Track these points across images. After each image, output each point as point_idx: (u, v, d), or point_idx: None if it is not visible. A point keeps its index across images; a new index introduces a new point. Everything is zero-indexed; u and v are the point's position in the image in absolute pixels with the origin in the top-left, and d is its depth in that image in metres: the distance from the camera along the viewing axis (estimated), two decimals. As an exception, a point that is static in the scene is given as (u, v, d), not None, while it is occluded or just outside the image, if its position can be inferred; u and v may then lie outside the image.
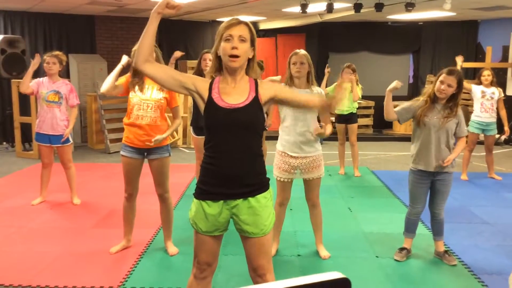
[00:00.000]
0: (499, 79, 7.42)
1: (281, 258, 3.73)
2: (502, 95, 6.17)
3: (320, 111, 2.39)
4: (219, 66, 2.22)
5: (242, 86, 2.20)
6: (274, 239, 3.75)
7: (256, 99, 2.18)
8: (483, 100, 6.02)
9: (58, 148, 4.91)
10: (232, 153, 2.16)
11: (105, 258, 3.70)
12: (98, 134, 8.49)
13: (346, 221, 4.68)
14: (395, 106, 3.61)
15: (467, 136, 3.60)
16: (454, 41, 10.55)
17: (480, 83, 6.13)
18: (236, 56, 2.12)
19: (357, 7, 7.17)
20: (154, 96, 3.48)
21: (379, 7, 7.12)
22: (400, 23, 10.74)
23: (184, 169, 6.69)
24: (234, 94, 2.17)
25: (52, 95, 4.78)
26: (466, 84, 6.19)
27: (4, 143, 8.68)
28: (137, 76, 3.46)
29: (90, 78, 8.86)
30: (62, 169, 5.05)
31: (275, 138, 3.77)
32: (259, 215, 2.20)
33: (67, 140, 4.91)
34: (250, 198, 2.19)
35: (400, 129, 10.19)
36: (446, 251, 3.74)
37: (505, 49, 9.73)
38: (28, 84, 4.78)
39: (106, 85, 3.49)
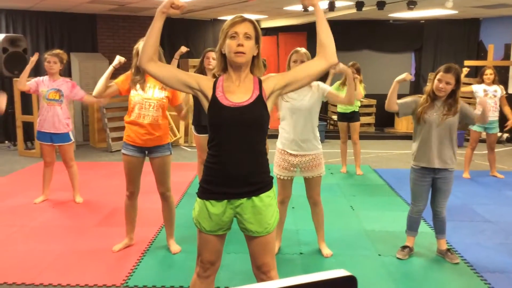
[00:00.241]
0: (501, 77, 7.42)
1: (283, 256, 3.74)
2: (504, 92, 6.16)
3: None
4: (224, 64, 2.22)
5: (247, 84, 2.19)
6: (276, 237, 3.76)
7: (260, 97, 2.17)
8: (486, 98, 6.01)
9: (60, 146, 4.91)
10: (236, 152, 2.15)
11: (107, 256, 3.71)
12: (100, 133, 8.50)
13: (348, 219, 4.68)
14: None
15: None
16: (456, 39, 10.54)
17: (482, 81, 6.12)
18: (242, 52, 2.12)
19: (359, 5, 7.16)
20: (156, 95, 3.48)
21: (381, 5, 7.11)
22: (402, 21, 10.73)
23: (186, 168, 6.69)
24: (239, 93, 2.17)
25: (52, 93, 4.78)
26: (466, 88, 6.20)
27: (6, 141, 8.69)
28: (139, 74, 3.47)
29: (92, 77, 8.85)
30: (64, 167, 5.05)
31: (275, 136, 3.77)
32: (262, 214, 2.20)
33: (69, 139, 4.92)
34: (254, 197, 2.19)
35: (402, 127, 10.19)
36: (448, 249, 3.74)
37: (507, 47, 9.72)
38: (24, 81, 4.79)
39: (97, 88, 3.52)
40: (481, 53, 10.30)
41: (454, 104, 3.43)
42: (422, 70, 10.86)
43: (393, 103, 3.55)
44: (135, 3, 7.95)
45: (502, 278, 3.41)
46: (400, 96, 3.57)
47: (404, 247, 3.77)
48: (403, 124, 10.13)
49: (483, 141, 6.65)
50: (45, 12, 9.00)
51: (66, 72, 8.15)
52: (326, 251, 3.78)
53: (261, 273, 2.29)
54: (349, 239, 4.13)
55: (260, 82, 2.22)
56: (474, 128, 6.14)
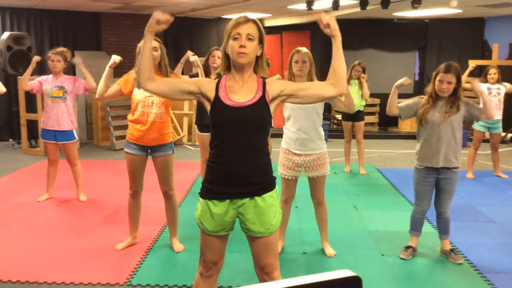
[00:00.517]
0: (506, 77, 7.38)
1: (286, 256, 3.73)
2: (509, 85, 6.14)
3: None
4: (228, 64, 2.22)
5: (250, 84, 2.19)
6: (280, 236, 3.75)
7: (263, 97, 2.17)
8: (490, 97, 5.99)
9: (63, 145, 4.92)
10: (238, 152, 2.15)
11: (111, 255, 3.72)
12: (103, 131, 8.52)
13: (352, 219, 4.68)
14: (399, 103, 3.61)
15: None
16: (460, 38, 10.51)
17: (486, 81, 6.10)
18: (244, 53, 2.12)
19: (363, 4, 7.15)
20: None
21: (385, 4, 7.09)
22: (406, 20, 10.70)
23: (189, 166, 6.70)
24: (242, 93, 2.17)
25: (56, 90, 4.79)
26: (469, 85, 6.18)
27: (11, 140, 8.72)
28: None
29: (96, 75, 8.80)
30: (68, 166, 5.07)
31: (280, 135, 3.77)
32: (265, 214, 2.19)
33: (73, 137, 4.93)
34: (256, 197, 2.18)
35: (405, 127, 10.16)
36: (452, 250, 3.73)
37: (512, 47, 9.68)
38: (26, 81, 4.81)
39: (98, 89, 3.58)
40: (485, 53, 10.27)
41: (456, 101, 3.42)
42: (426, 69, 10.83)
43: (393, 108, 3.55)
44: (139, 1, 7.95)
45: (506, 279, 3.40)
46: (403, 96, 3.57)
47: (407, 247, 3.76)
48: (407, 124, 10.10)
49: (486, 141, 6.63)
50: (50, 10, 9.02)
51: (70, 70, 8.16)
52: (330, 250, 3.77)
53: (263, 274, 2.28)
54: (352, 239, 4.13)
55: (264, 83, 2.21)
56: (478, 127, 6.12)
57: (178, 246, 3.81)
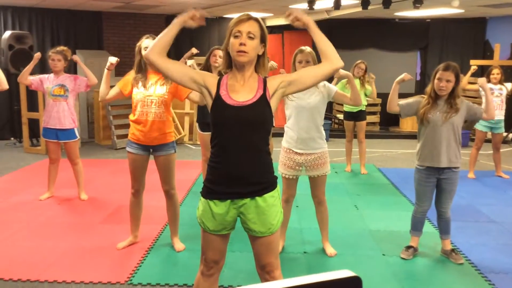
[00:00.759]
0: (508, 77, 7.38)
1: (287, 255, 3.74)
2: (510, 86, 6.15)
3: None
4: (229, 62, 2.22)
5: (251, 83, 2.19)
6: (280, 236, 3.75)
7: (263, 96, 2.17)
8: (492, 97, 5.97)
9: (65, 144, 4.93)
10: (239, 152, 2.15)
11: (112, 254, 3.72)
12: (105, 130, 8.52)
13: (353, 218, 4.68)
14: (400, 101, 3.61)
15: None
16: (462, 38, 10.49)
17: (488, 81, 6.10)
18: (244, 51, 2.11)
19: (365, 4, 7.13)
20: (157, 91, 3.47)
21: (386, 4, 7.08)
22: (407, 20, 10.68)
23: (191, 166, 6.70)
24: (242, 92, 2.17)
25: (57, 89, 4.80)
26: (472, 86, 6.18)
27: (12, 138, 8.73)
28: (141, 72, 3.48)
29: (97, 75, 8.83)
30: (70, 164, 5.07)
31: (281, 135, 3.77)
32: (266, 214, 2.19)
33: (74, 136, 4.93)
34: (257, 197, 2.18)
35: (407, 126, 10.16)
36: (453, 250, 3.72)
37: (514, 47, 9.67)
38: (26, 75, 4.82)
39: (100, 93, 3.60)
40: (487, 53, 10.25)
41: (455, 101, 3.42)
42: (428, 69, 10.81)
43: (394, 105, 3.55)
44: (140, 0, 7.95)
45: (506, 279, 3.40)
46: (405, 95, 3.57)
47: (408, 247, 3.76)
48: (408, 123, 10.10)
49: (488, 141, 6.62)
50: (51, 10, 9.03)
51: (72, 69, 8.16)
52: (330, 250, 3.77)
53: (265, 273, 2.29)
54: (353, 239, 4.13)
55: (265, 81, 2.21)
56: (480, 128, 6.12)
57: (179, 245, 3.82)
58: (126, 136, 3.76)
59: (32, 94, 7.78)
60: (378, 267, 3.59)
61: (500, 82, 6.07)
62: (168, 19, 10.18)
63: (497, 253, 3.85)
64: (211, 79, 2.22)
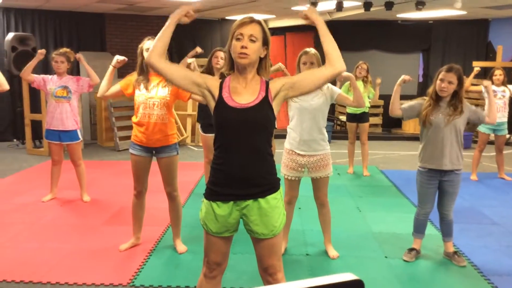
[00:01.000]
0: (510, 78, 7.37)
1: (289, 257, 3.73)
2: None
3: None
4: (232, 64, 2.22)
5: (253, 85, 2.20)
6: (283, 238, 3.75)
7: (266, 98, 2.17)
8: (495, 99, 5.97)
9: (68, 145, 4.94)
10: (242, 153, 2.16)
11: (114, 256, 3.72)
12: (107, 132, 8.54)
13: (355, 220, 4.67)
14: (401, 104, 3.60)
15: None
16: (464, 40, 10.48)
17: (491, 82, 6.08)
18: (245, 54, 2.12)
19: (367, 5, 7.14)
20: (159, 93, 3.48)
21: (389, 5, 7.08)
22: (410, 21, 10.68)
23: (193, 167, 6.71)
24: (245, 94, 2.17)
25: (60, 90, 4.81)
26: (475, 87, 6.17)
27: (15, 140, 8.75)
28: (143, 74, 3.48)
29: (100, 76, 8.83)
30: (72, 166, 5.08)
31: (283, 136, 3.77)
32: (269, 216, 2.20)
33: (77, 137, 4.94)
34: (260, 199, 2.18)
35: (409, 128, 10.15)
36: (455, 252, 3.72)
37: (516, 48, 9.65)
38: (29, 71, 4.83)
39: (100, 88, 3.57)
40: (490, 54, 10.23)
41: (459, 104, 3.41)
42: (430, 70, 10.80)
43: (396, 109, 3.53)
44: (143, 2, 7.98)
45: (509, 282, 3.39)
46: (407, 97, 3.56)
47: (411, 249, 3.76)
48: (410, 125, 10.08)
49: (491, 143, 6.61)
50: (54, 11, 9.05)
51: (75, 71, 8.19)
52: (333, 252, 3.77)
53: (267, 275, 2.29)
54: (355, 241, 4.12)
55: (267, 84, 2.22)
56: (483, 129, 6.11)
57: (181, 247, 3.82)
58: (128, 137, 3.78)
59: (35, 96, 7.80)
60: (381, 269, 3.59)
61: (503, 83, 6.05)
62: (170, 21, 10.19)
63: (500, 255, 3.84)
64: (213, 82, 2.23)
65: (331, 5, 7.47)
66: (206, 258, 2.32)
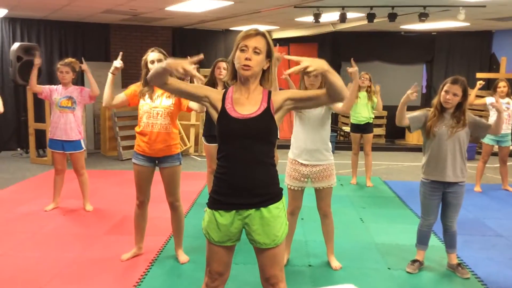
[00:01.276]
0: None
1: (292, 268, 3.71)
2: None
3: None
4: (235, 74, 2.24)
5: (255, 96, 2.21)
6: (285, 248, 3.74)
7: (267, 109, 2.19)
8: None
9: (71, 155, 4.95)
10: (244, 163, 2.17)
11: (116, 265, 3.71)
12: (111, 141, 8.56)
13: (358, 231, 4.65)
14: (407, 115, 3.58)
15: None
16: (468, 51, 10.50)
17: (495, 94, 6.07)
18: (248, 66, 2.13)
19: (370, 17, 7.17)
20: (164, 103, 3.49)
21: (392, 17, 7.11)
22: (413, 33, 10.71)
23: (196, 177, 6.71)
24: (247, 105, 2.19)
25: (65, 101, 4.84)
26: (479, 100, 6.15)
27: (19, 149, 8.78)
28: (148, 86, 3.50)
29: (104, 86, 8.93)
30: (75, 175, 5.09)
31: (286, 146, 3.77)
32: (271, 225, 2.19)
33: (80, 147, 4.96)
34: (262, 209, 2.19)
35: (412, 139, 10.14)
36: (459, 264, 3.69)
37: (520, 60, 9.64)
38: (33, 83, 4.90)
39: (105, 98, 3.57)
40: (493, 66, 10.24)
41: (462, 116, 3.40)
42: (434, 82, 10.82)
43: (403, 118, 3.49)
44: (148, 13, 8.03)
45: (514, 294, 3.36)
46: (411, 108, 3.54)
47: (414, 261, 3.73)
48: (414, 136, 10.07)
49: (495, 154, 6.59)
50: (59, 22, 9.13)
51: (79, 80, 8.23)
52: (335, 263, 3.75)
53: (269, 285, 2.28)
54: (358, 252, 4.10)
55: (269, 95, 2.23)
56: (487, 141, 6.09)
57: (183, 257, 3.81)
58: (132, 147, 3.78)
59: (39, 105, 7.83)
60: (384, 280, 3.56)
61: (507, 95, 6.04)
62: (175, 31, 10.27)
63: (504, 267, 3.81)
64: (215, 95, 2.26)
65: (335, 16, 7.51)
66: (208, 268, 2.32)
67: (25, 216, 4.92)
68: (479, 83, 6.31)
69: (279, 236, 2.22)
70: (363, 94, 6.31)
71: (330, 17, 7.72)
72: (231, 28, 10.42)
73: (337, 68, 10.75)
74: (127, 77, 9.00)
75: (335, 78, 2.06)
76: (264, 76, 2.25)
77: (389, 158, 8.81)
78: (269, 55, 2.20)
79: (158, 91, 3.51)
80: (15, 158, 8.26)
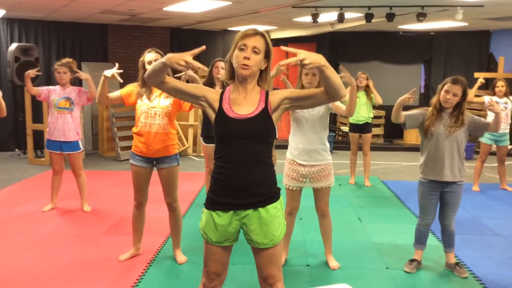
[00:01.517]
0: (512, 90, 7.36)
1: (290, 268, 3.71)
2: None
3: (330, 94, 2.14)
4: (232, 73, 2.23)
5: (253, 96, 2.21)
6: (283, 248, 3.74)
7: (265, 109, 2.18)
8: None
9: (68, 155, 4.94)
10: (242, 163, 2.16)
11: (114, 266, 3.71)
12: (109, 142, 8.55)
13: (356, 231, 4.65)
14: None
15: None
16: (466, 51, 10.51)
17: (493, 93, 6.09)
18: (247, 65, 2.13)
19: (368, 17, 7.17)
20: (162, 103, 3.49)
21: (390, 17, 7.12)
22: (411, 33, 10.72)
23: (194, 177, 6.70)
24: (245, 105, 2.18)
25: (63, 101, 4.83)
26: (478, 99, 6.15)
27: (17, 150, 8.77)
28: (145, 87, 3.49)
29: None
30: (73, 176, 5.08)
31: (284, 147, 3.76)
32: (269, 225, 2.19)
33: (78, 147, 4.95)
34: (260, 209, 2.18)
35: (411, 139, 10.14)
36: (457, 263, 3.69)
37: (518, 60, 9.65)
38: (29, 87, 4.90)
39: (98, 95, 3.57)
40: (491, 65, 10.25)
41: (461, 116, 3.40)
42: (432, 81, 10.82)
43: (398, 116, 3.49)
44: (146, 13, 8.03)
45: (512, 293, 3.36)
46: (410, 108, 3.54)
47: (412, 260, 3.73)
48: (412, 136, 10.08)
49: (493, 153, 6.59)
50: (57, 22, 9.12)
51: (77, 81, 8.22)
52: (333, 263, 3.75)
53: (267, 285, 2.27)
54: (356, 252, 4.10)
55: (267, 94, 2.22)
56: (485, 140, 6.09)
57: (181, 257, 3.80)
58: (130, 147, 3.78)
59: (37, 106, 7.83)
60: (382, 280, 3.56)
61: (505, 94, 6.05)
62: (173, 31, 10.26)
63: (502, 266, 3.81)
64: (212, 95, 2.25)
65: (333, 16, 7.51)
66: (205, 268, 2.31)
67: (23, 216, 4.91)
68: (480, 81, 6.29)
69: (277, 236, 2.21)
70: (361, 94, 6.31)
71: (328, 17, 7.72)
72: (229, 29, 10.42)
73: (336, 68, 10.74)
74: (125, 77, 8.91)
75: (332, 74, 2.03)
76: (262, 76, 2.24)
77: (387, 157, 8.81)
78: (267, 55, 2.20)
79: (156, 91, 3.50)
80: (13, 158, 8.25)
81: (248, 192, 2.17)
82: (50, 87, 4.96)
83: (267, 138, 2.21)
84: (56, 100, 4.83)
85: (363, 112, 6.32)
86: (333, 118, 10.76)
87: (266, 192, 2.21)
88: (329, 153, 3.58)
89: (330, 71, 2.03)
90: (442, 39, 10.61)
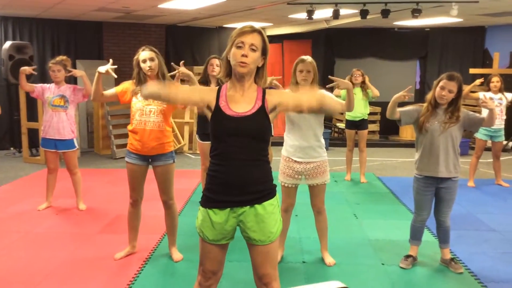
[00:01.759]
0: (507, 86, 7.38)
1: (286, 265, 3.72)
2: (510, 97, 6.12)
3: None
4: (229, 71, 2.22)
5: (250, 94, 2.20)
6: (279, 245, 3.74)
7: (262, 107, 2.18)
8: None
9: (64, 153, 4.93)
10: (238, 161, 2.15)
11: (109, 264, 3.70)
12: (104, 140, 8.53)
13: (352, 227, 4.66)
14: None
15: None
16: (461, 47, 10.53)
17: (488, 89, 6.10)
18: (245, 63, 2.12)
19: (364, 13, 7.17)
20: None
21: (385, 13, 7.12)
22: (406, 29, 10.73)
23: (190, 175, 6.69)
24: (242, 102, 2.18)
25: (57, 99, 4.81)
26: (473, 94, 6.15)
27: (12, 148, 8.74)
28: (140, 84, 3.48)
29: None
30: (68, 174, 5.06)
31: (280, 144, 3.76)
32: (265, 222, 2.19)
33: (73, 146, 4.93)
34: (256, 205, 2.18)
35: (406, 135, 10.16)
36: (452, 259, 3.70)
37: (513, 55, 9.68)
38: (23, 83, 4.87)
39: (92, 92, 3.55)
40: (486, 61, 10.27)
41: (456, 112, 3.40)
42: (427, 77, 10.85)
43: (393, 113, 3.49)
44: (140, 11, 8.00)
45: (507, 289, 3.38)
46: (404, 104, 3.55)
47: (407, 256, 3.74)
48: (408, 132, 10.10)
49: (488, 149, 6.61)
50: (52, 20, 9.07)
51: (72, 79, 8.19)
52: (329, 259, 3.75)
53: (262, 285, 2.27)
54: (352, 248, 4.11)
55: (264, 93, 2.22)
56: (480, 136, 6.11)
57: (177, 255, 3.80)
58: (125, 145, 3.76)
59: (32, 104, 7.79)
60: (377, 276, 3.57)
61: (500, 90, 6.06)
62: (168, 28, 10.24)
63: (497, 262, 3.83)
64: (209, 94, 2.23)
65: (328, 13, 7.51)
66: (201, 266, 2.31)
67: (17, 215, 4.89)
68: (479, 81, 6.22)
69: (274, 233, 2.21)
70: (357, 90, 6.31)
71: (323, 13, 7.71)
72: (224, 25, 10.40)
73: (331, 64, 10.76)
74: (120, 75, 8.92)
75: (331, 101, 2.19)
76: (258, 73, 2.23)
77: (383, 154, 8.83)
78: (264, 52, 2.19)
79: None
80: (8, 157, 8.22)
81: (245, 189, 2.17)
82: (45, 84, 4.93)
83: (264, 136, 2.20)
84: (50, 98, 4.81)
85: (359, 109, 6.31)
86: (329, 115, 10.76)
87: (263, 189, 2.21)
88: (325, 150, 3.58)
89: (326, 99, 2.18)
90: (437, 35, 10.62)
